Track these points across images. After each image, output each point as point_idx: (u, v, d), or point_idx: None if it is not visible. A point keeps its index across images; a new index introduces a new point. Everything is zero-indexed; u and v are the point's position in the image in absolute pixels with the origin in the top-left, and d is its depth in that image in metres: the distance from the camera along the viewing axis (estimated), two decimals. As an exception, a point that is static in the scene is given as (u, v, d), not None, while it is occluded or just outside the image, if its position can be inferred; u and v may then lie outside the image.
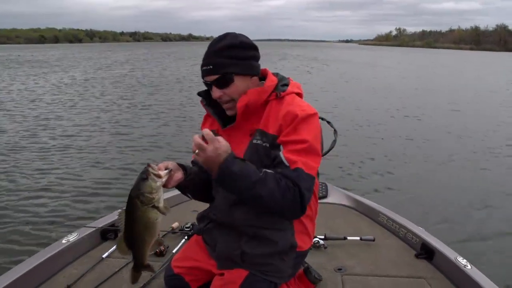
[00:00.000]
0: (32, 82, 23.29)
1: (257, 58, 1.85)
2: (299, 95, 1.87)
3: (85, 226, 2.99)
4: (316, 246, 2.86)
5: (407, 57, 68.15)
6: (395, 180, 7.24)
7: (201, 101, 1.93)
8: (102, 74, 27.50)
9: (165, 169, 1.73)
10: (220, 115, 1.90)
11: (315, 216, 2.00)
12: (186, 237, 2.98)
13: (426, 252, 2.76)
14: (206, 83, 1.81)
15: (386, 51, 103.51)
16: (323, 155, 4.24)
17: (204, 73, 1.77)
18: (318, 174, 1.90)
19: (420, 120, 12.75)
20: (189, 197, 1.99)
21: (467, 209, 6.03)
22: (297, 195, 1.60)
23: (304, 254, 1.98)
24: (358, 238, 2.95)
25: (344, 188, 4.02)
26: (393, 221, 3.16)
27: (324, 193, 3.73)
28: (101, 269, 2.62)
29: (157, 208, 1.63)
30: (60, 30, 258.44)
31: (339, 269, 2.63)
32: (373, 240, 2.94)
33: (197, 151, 1.58)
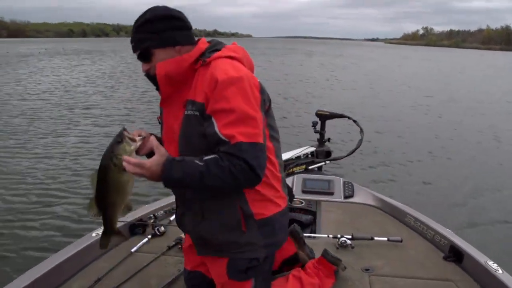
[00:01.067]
0: (65, 73, 24.08)
1: (178, 27, 1.76)
2: (234, 58, 1.74)
3: None
4: (343, 245, 2.85)
5: (433, 57, 67.08)
6: (422, 180, 7.18)
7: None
8: (132, 67, 28.07)
9: (139, 135, 1.76)
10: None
11: (276, 180, 1.88)
12: None
13: (455, 255, 2.72)
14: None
15: (412, 50, 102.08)
16: (349, 154, 4.24)
17: (132, 50, 1.78)
18: (274, 138, 1.91)
19: (448, 120, 12.59)
20: None
21: (498, 212, 5.94)
22: (245, 168, 1.56)
23: (269, 221, 1.83)
24: (386, 238, 2.92)
25: (370, 188, 4.00)
26: (421, 222, 3.12)
27: (350, 192, 3.71)
28: (130, 263, 2.66)
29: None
30: (88, 25, 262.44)
31: (367, 270, 2.61)
32: (401, 241, 2.91)
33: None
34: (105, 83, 19.66)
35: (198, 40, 1.83)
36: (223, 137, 1.58)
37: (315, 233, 3.10)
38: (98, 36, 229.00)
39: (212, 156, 1.60)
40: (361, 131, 4.19)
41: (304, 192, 3.68)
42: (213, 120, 1.60)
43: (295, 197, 3.55)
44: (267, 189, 1.82)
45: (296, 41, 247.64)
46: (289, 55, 53.62)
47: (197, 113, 1.65)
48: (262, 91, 1.73)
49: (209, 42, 1.83)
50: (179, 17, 1.76)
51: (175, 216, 2.04)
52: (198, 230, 1.85)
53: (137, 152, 1.74)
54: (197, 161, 1.59)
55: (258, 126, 1.62)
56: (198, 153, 1.64)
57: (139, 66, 1.82)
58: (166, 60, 1.71)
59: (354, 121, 4.27)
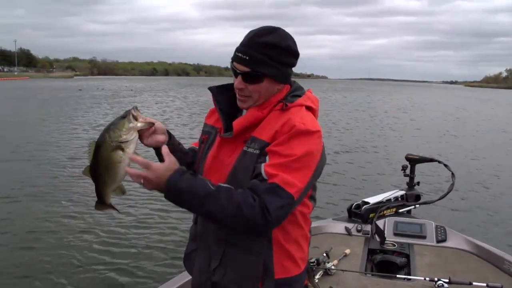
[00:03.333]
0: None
1: (293, 65, 1.70)
2: (311, 109, 1.70)
3: None
4: (441, 289, 2.85)
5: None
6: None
7: (213, 97, 1.81)
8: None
9: (149, 122, 1.65)
10: (225, 118, 1.76)
11: (305, 240, 1.78)
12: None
13: None
14: (233, 69, 1.66)
15: (495, 93, 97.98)
16: (440, 198, 4.24)
17: (237, 60, 1.63)
18: (313, 198, 1.78)
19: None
20: None
21: None
22: (257, 210, 1.44)
23: (287, 282, 1.69)
24: (485, 284, 2.86)
25: (462, 232, 3.96)
26: None
27: (442, 236, 3.70)
28: None
29: (123, 150, 1.56)
30: (170, 64, 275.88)
31: None
32: None
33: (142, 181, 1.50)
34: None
35: None
36: (263, 172, 1.52)
37: (409, 275, 3.14)
38: (179, 75, 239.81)
39: (227, 185, 1.52)
40: (453, 175, 4.17)
41: (395, 234, 3.72)
42: (267, 158, 1.55)
43: (387, 239, 3.60)
44: (294, 247, 1.71)
45: (373, 83, 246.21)
46: (368, 96, 53.65)
47: (257, 151, 1.58)
48: (323, 154, 1.65)
49: (291, 83, 1.77)
50: (298, 57, 1.71)
51: (185, 255, 1.92)
52: (209, 274, 1.70)
53: (141, 139, 1.65)
54: (208, 183, 1.50)
55: (302, 181, 1.54)
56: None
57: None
58: (250, 109, 1.68)
59: (445, 165, 4.25)
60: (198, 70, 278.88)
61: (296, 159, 1.51)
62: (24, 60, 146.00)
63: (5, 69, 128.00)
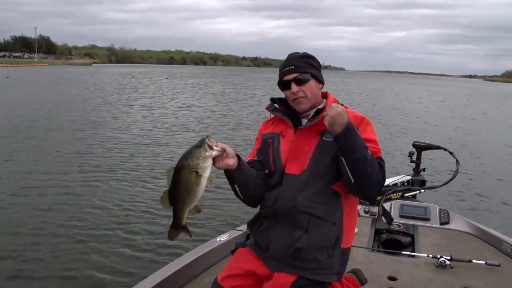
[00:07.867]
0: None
1: (321, 73, 2.21)
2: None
3: (234, 229, 3.47)
4: (443, 265, 3.02)
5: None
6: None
7: (267, 108, 2.29)
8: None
9: (221, 148, 1.89)
10: (290, 117, 2.20)
11: (356, 219, 2.24)
12: None
13: None
14: (283, 83, 2.15)
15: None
16: (445, 184, 4.39)
17: (285, 73, 2.13)
18: None
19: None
20: (236, 191, 2.15)
21: None
22: (382, 173, 1.96)
23: (347, 252, 2.14)
24: (483, 262, 3.03)
25: (466, 216, 4.12)
26: None
27: (446, 219, 3.85)
28: None
29: (200, 176, 1.81)
30: (187, 53, 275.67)
31: None
32: (498, 266, 3.01)
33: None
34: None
35: None
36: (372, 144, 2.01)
37: (414, 253, 3.31)
38: (196, 64, 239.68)
39: None
40: (457, 162, 4.30)
41: (401, 216, 3.89)
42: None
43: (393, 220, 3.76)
44: (354, 223, 2.19)
45: (390, 75, 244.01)
46: (384, 85, 53.49)
47: (331, 139, 1.97)
48: None
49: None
50: (320, 66, 2.27)
51: (255, 228, 2.21)
52: (294, 241, 2.01)
53: (214, 163, 1.88)
54: None
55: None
56: (324, 170, 2.02)
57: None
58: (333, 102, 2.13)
59: (450, 152, 4.38)
60: (216, 59, 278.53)
61: (377, 143, 2.07)
62: (43, 47, 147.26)
63: (25, 56, 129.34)
